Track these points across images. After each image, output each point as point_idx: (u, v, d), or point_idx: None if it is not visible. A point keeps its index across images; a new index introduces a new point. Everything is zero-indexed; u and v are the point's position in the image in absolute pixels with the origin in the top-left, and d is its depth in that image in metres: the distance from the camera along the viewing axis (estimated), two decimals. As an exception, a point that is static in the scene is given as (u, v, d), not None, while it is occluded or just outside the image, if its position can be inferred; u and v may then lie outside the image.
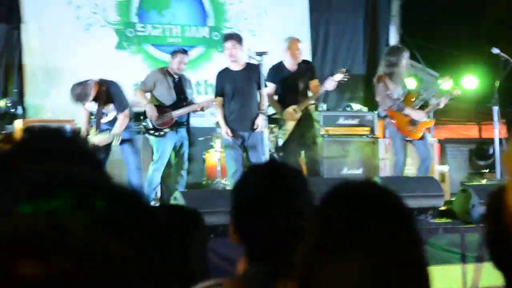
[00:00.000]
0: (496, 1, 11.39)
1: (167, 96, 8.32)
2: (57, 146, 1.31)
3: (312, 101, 8.61)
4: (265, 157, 7.94)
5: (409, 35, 11.89)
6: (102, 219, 0.84)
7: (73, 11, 9.93)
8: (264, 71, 8.21)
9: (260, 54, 8.02)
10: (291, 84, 8.42)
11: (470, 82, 10.61)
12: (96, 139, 7.69)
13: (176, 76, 8.43)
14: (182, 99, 8.41)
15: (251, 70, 8.09)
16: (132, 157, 7.81)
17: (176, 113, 8.29)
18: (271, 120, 8.50)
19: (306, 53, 11.21)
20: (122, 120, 7.72)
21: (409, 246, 1.46)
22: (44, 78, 9.74)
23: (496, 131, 9.11)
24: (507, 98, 10.38)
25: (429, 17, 11.49)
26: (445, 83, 9.13)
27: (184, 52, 8.61)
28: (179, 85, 8.42)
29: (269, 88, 8.38)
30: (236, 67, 8.11)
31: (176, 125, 8.33)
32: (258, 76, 8.05)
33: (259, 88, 8.09)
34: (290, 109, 8.33)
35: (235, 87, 8.06)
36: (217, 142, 9.11)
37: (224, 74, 8.17)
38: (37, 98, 9.68)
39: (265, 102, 8.11)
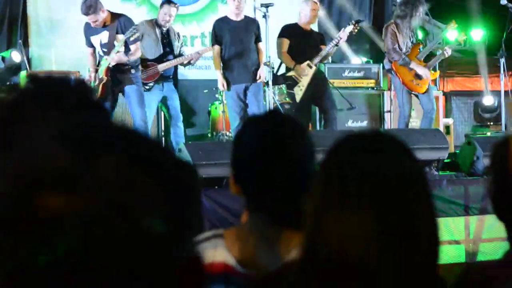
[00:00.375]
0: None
1: (154, 48, 8.20)
2: (62, 94, 1.29)
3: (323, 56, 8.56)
4: (265, 108, 7.94)
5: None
6: (128, 162, 0.83)
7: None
8: (270, 23, 8.11)
9: (266, 5, 7.96)
10: (305, 42, 8.38)
11: (477, 34, 10.51)
12: (112, 58, 7.52)
13: (164, 28, 8.30)
14: (168, 52, 8.29)
15: (250, 22, 8.04)
16: (138, 109, 7.73)
17: (162, 66, 8.17)
18: (285, 78, 8.44)
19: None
20: (134, 49, 7.62)
21: (416, 194, 1.44)
22: (49, 29, 9.67)
23: (502, 83, 9.06)
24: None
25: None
26: (451, 30, 9.02)
27: (171, 3, 8.39)
28: (167, 38, 8.30)
29: (284, 43, 8.33)
30: (236, 17, 8.02)
31: (161, 78, 8.20)
32: (257, 29, 8.01)
33: (257, 41, 8.04)
34: (304, 64, 8.28)
35: (234, 36, 7.98)
36: (222, 94, 9.07)
37: (224, 23, 8.07)
38: (42, 49, 9.61)
39: (264, 56, 8.05)
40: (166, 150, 0.91)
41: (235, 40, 7.97)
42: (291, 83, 8.39)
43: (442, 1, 10.50)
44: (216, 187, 6.40)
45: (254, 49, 8.05)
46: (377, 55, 10.73)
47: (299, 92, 8.33)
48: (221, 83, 8.01)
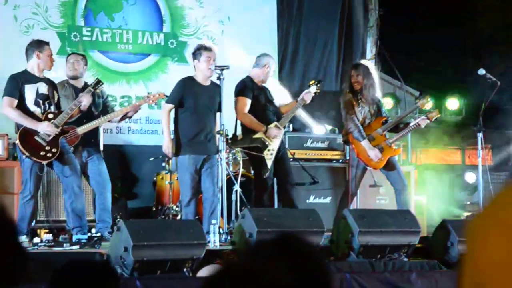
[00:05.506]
0: (486, 15, 11.49)
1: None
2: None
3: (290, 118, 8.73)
4: (220, 182, 7.91)
5: (387, 49, 11.93)
6: None
7: (11, 11, 9.81)
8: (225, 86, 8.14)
9: (221, 68, 7.96)
10: (267, 101, 8.50)
11: (454, 103, 10.68)
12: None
13: (77, 86, 8.25)
14: (88, 112, 8.11)
15: (216, 88, 8.03)
16: (74, 176, 7.68)
17: (82, 129, 7.94)
18: (251, 142, 8.42)
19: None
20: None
21: None
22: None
23: (480, 159, 9.14)
24: (492, 120, 10.45)
25: (410, 30, 11.55)
26: (424, 104, 9.18)
27: (77, 53, 8.60)
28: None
29: (244, 104, 8.38)
30: (204, 81, 8.05)
31: (81, 143, 8.02)
32: (220, 97, 8.00)
33: (219, 110, 8.06)
34: (273, 125, 8.38)
35: (199, 102, 7.98)
36: (169, 163, 9.04)
37: (187, 84, 8.07)
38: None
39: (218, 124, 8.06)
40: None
41: (199, 106, 7.98)
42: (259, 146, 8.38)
43: (415, 65, 10.68)
44: (159, 272, 6.32)
45: (214, 119, 8.08)
46: (343, 123, 10.81)
47: (270, 156, 8.33)
48: (168, 146, 7.96)
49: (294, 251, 2.18)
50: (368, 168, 8.58)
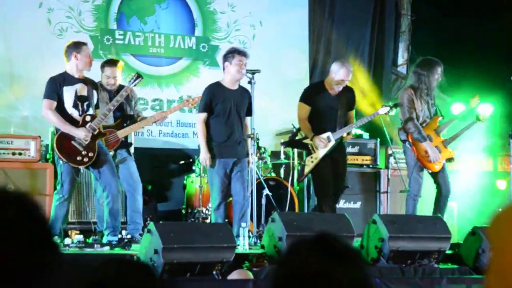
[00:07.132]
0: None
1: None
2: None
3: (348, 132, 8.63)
4: (250, 187, 7.91)
5: (419, 54, 11.87)
6: None
7: (45, 14, 9.89)
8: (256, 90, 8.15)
9: (252, 72, 7.96)
10: (329, 109, 8.43)
11: (486, 109, 10.58)
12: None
13: (113, 90, 8.25)
14: (122, 116, 8.20)
15: (244, 92, 8.05)
16: (114, 178, 7.74)
17: (122, 132, 8.07)
18: (299, 145, 8.46)
19: (304, 67, 11.23)
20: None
21: None
22: (10, 88, 9.65)
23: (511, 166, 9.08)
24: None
25: (442, 35, 11.48)
26: (475, 103, 9.06)
27: (112, 63, 8.47)
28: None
29: (303, 110, 8.41)
30: (232, 85, 8.05)
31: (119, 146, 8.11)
32: (250, 101, 8.01)
33: (248, 115, 8.06)
34: (325, 135, 8.35)
35: (226, 106, 7.98)
36: (200, 166, 9.06)
37: (214, 90, 8.08)
38: (1, 111, 9.57)
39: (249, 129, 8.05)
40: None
41: (228, 110, 7.99)
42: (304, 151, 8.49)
43: (447, 70, 10.60)
44: (189, 274, 6.34)
45: (243, 122, 8.08)
46: (373, 128, 10.76)
47: (310, 164, 8.36)
48: (205, 158, 7.94)
49: (339, 250, 2.18)
50: (424, 169, 8.51)
